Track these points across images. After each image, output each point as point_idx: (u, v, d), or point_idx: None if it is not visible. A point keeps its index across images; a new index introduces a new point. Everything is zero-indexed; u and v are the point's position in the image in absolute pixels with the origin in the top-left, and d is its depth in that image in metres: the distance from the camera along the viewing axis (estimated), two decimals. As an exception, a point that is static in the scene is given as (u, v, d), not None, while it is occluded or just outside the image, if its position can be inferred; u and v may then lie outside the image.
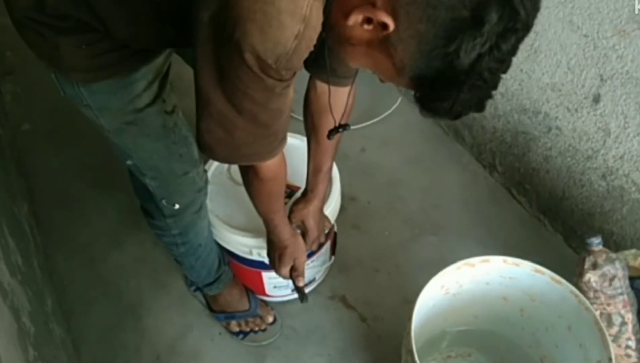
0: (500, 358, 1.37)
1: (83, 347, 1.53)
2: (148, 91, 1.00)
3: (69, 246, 1.76)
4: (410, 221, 1.79)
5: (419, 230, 1.76)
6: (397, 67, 0.71)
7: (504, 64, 0.67)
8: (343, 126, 1.12)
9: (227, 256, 1.49)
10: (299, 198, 1.35)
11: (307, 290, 1.57)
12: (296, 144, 1.49)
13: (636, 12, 1.29)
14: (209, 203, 1.33)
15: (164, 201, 1.20)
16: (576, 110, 1.48)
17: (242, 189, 1.15)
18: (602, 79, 1.38)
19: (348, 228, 1.74)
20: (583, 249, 1.24)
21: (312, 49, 0.76)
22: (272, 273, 1.38)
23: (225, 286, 1.51)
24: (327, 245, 1.50)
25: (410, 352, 1.02)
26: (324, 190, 1.33)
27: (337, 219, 1.49)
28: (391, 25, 0.66)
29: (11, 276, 1.17)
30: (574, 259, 1.60)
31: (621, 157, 1.42)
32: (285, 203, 1.43)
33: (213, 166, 1.47)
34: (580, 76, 1.43)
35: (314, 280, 1.58)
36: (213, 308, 1.56)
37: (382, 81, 0.77)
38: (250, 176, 1.02)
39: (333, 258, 1.59)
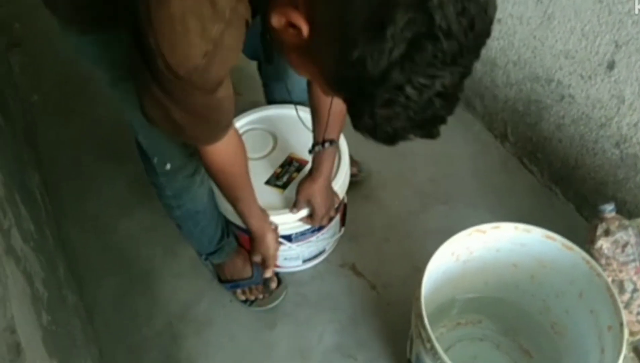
0: (510, 325, 1.38)
1: (96, 314, 1.55)
2: None
3: (79, 215, 1.78)
4: (420, 190, 1.78)
5: (429, 200, 1.76)
6: (324, 76, 0.68)
7: (435, 81, 0.59)
8: (330, 141, 1.20)
9: (236, 230, 1.49)
10: (305, 177, 1.35)
11: (317, 261, 1.60)
12: (306, 118, 1.49)
13: (636, 12, 1.27)
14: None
15: (155, 159, 1.21)
16: (590, 77, 1.46)
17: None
18: (616, 45, 1.36)
19: (358, 198, 1.74)
20: (595, 216, 1.23)
21: (231, 65, 0.77)
22: (281, 246, 1.42)
23: (228, 255, 1.53)
24: (337, 217, 1.50)
25: (420, 316, 1.03)
26: (330, 167, 1.33)
27: (347, 189, 1.49)
28: (304, 30, 0.64)
29: (24, 243, 1.17)
30: (585, 228, 1.59)
31: (635, 124, 1.40)
32: (294, 178, 1.43)
33: None
34: (594, 42, 1.41)
35: (324, 251, 1.59)
36: (220, 277, 1.58)
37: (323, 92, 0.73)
38: (204, 164, 1.06)
39: (343, 229, 1.60)
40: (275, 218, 1.35)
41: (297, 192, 1.35)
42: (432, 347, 1.00)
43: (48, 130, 2.02)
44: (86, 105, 2.09)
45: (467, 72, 0.62)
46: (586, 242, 1.24)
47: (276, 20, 0.66)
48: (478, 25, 0.58)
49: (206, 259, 1.58)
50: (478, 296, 1.36)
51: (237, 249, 1.54)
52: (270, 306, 1.54)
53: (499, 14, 1.65)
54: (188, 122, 0.86)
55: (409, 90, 0.59)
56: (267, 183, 1.43)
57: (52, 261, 1.40)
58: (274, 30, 0.69)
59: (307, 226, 1.42)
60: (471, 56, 0.60)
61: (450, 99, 0.62)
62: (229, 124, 0.96)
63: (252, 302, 1.55)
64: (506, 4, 1.61)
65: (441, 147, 1.89)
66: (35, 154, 1.91)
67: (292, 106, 1.52)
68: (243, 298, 1.55)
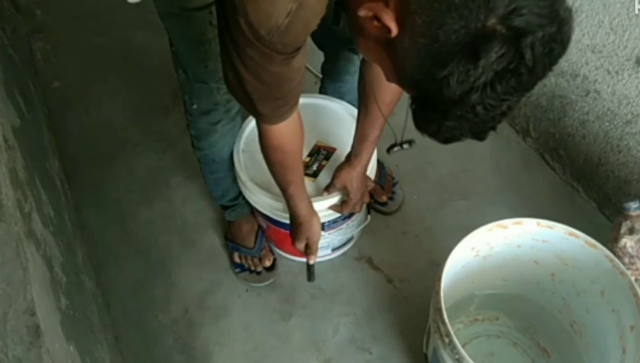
0: (528, 323, 1.36)
1: (113, 300, 1.56)
2: None
3: (98, 202, 1.79)
4: (439, 185, 1.77)
5: (448, 194, 1.74)
6: (398, 72, 0.69)
7: (504, 104, 0.63)
8: (409, 142, 1.19)
9: (265, 220, 1.49)
10: (343, 163, 1.36)
11: (345, 249, 1.61)
12: (330, 106, 1.50)
13: (636, 12, 1.26)
14: (244, 170, 1.38)
15: (186, 97, 1.29)
16: (617, 72, 1.43)
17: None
18: (646, 40, 1.33)
19: (376, 191, 1.73)
20: (619, 213, 1.21)
21: (311, 29, 0.78)
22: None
23: (238, 217, 1.58)
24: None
25: (439, 310, 1.02)
26: (368, 158, 1.34)
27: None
28: (394, 31, 0.64)
29: (44, 227, 1.18)
30: (607, 227, 1.57)
31: (662, 122, 1.37)
32: (323, 166, 1.42)
33: (245, 132, 1.45)
34: (622, 36, 1.38)
35: (351, 238, 1.60)
36: (226, 234, 1.63)
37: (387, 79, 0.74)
38: (262, 142, 1.06)
39: (369, 218, 1.59)
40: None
41: (334, 177, 1.36)
42: (451, 342, 0.99)
43: (68, 117, 2.03)
44: (106, 93, 2.10)
45: (529, 92, 0.65)
46: (609, 240, 1.22)
47: (364, 12, 0.66)
48: (555, 62, 0.61)
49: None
50: (497, 293, 1.34)
51: (248, 216, 1.58)
52: (253, 285, 1.57)
53: (524, 7, 1.62)
54: (259, 95, 0.88)
55: (479, 109, 0.62)
56: None
57: (70, 247, 1.41)
58: (355, 16, 0.68)
59: (338, 214, 1.41)
60: (539, 81, 0.64)
61: (508, 114, 0.66)
62: (297, 102, 0.97)
63: (243, 269, 1.59)
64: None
65: (461, 142, 1.87)
66: (55, 141, 1.92)
67: (313, 95, 1.53)
68: (238, 261, 1.59)
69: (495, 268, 1.26)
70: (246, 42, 0.77)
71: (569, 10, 0.61)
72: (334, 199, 1.37)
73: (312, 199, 1.33)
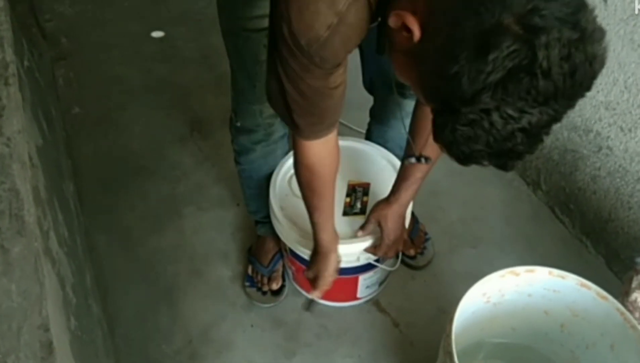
0: (535, 375, 1.35)
1: (117, 326, 1.55)
2: (259, 20, 1.08)
3: (109, 228, 1.79)
4: (449, 231, 1.77)
5: (457, 241, 1.75)
6: (422, 83, 0.70)
7: (523, 116, 0.60)
8: (425, 158, 1.21)
9: (293, 258, 1.49)
10: (380, 200, 1.37)
11: (372, 296, 1.60)
12: (359, 147, 1.57)
13: (636, 12, 1.29)
14: (277, 195, 1.42)
15: (233, 113, 1.35)
16: (630, 130, 1.46)
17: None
18: (660, 100, 1.36)
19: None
20: (630, 268, 1.22)
21: (350, 47, 0.81)
22: (369, 273, 1.45)
23: (266, 233, 1.61)
24: None
25: (450, 353, 1.01)
26: (408, 198, 1.33)
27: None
28: (416, 34, 0.66)
29: (59, 247, 1.19)
30: (615, 283, 1.57)
31: (674, 181, 1.39)
32: (366, 202, 1.45)
33: (290, 160, 1.46)
34: (637, 95, 1.41)
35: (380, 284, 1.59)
36: (251, 247, 1.68)
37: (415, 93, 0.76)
38: (295, 158, 1.08)
39: (398, 263, 1.55)
40: (359, 244, 1.36)
41: (370, 213, 1.37)
42: (460, 386, 0.98)
43: (86, 142, 2.06)
44: (125, 121, 2.13)
45: (557, 117, 0.63)
46: (620, 295, 1.22)
47: (393, 21, 0.69)
48: (580, 74, 0.59)
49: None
50: (505, 342, 1.33)
51: (274, 236, 1.58)
52: (255, 303, 1.59)
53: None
54: (296, 106, 0.90)
55: (495, 117, 0.61)
56: (345, 214, 1.43)
57: (81, 269, 1.41)
58: (389, 29, 0.71)
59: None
60: (565, 102, 0.61)
61: (533, 137, 0.63)
62: (333, 123, 0.99)
63: (252, 284, 1.61)
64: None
65: (472, 190, 1.89)
66: (71, 165, 1.94)
67: (344, 137, 1.56)
68: (249, 274, 1.63)
69: (505, 316, 1.25)
70: (288, 51, 0.79)
71: (598, 28, 0.60)
72: (368, 241, 1.37)
73: (347, 241, 1.34)
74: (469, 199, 1.86)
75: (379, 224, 1.34)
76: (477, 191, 1.88)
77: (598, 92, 1.51)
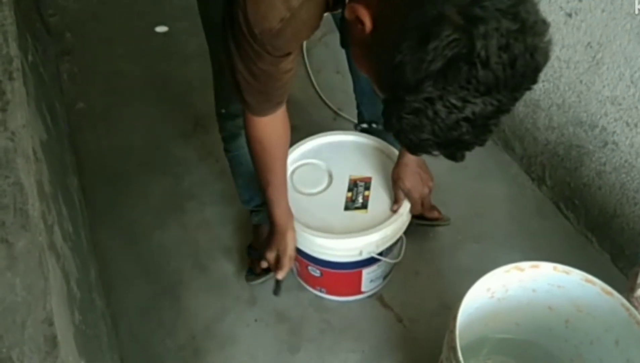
0: (539, 371, 1.34)
1: (121, 320, 1.56)
2: None
3: (113, 223, 1.80)
4: (453, 226, 1.76)
5: (461, 237, 1.74)
6: (376, 76, 0.71)
7: (466, 106, 0.61)
8: (375, 123, 1.33)
9: (319, 267, 1.48)
10: (396, 163, 1.43)
11: (376, 289, 1.60)
12: (357, 140, 1.57)
13: (636, 12, 1.29)
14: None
15: (218, 102, 1.38)
16: (636, 125, 1.45)
17: (314, 198, 1.38)
18: (666, 95, 1.35)
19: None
20: (635, 264, 1.21)
21: (302, 39, 0.88)
22: (372, 267, 1.46)
23: (262, 221, 1.63)
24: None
25: (454, 348, 1.01)
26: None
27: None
28: (368, 26, 0.68)
29: (63, 241, 1.19)
30: (620, 279, 1.56)
31: (680, 176, 1.38)
32: (367, 196, 1.45)
33: None
34: (643, 90, 1.40)
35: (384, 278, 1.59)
36: (250, 244, 1.67)
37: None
38: (245, 132, 1.13)
39: (402, 255, 1.56)
40: (361, 239, 1.36)
41: (393, 182, 1.42)
42: (464, 381, 0.98)
43: (89, 137, 2.07)
44: (128, 117, 2.14)
45: (502, 108, 0.63)
46: (625, 290, 1.21)
47: (348, 13, 0.71)
48: (520, 64, 0.60)
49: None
50: (509, 337, 1.33)
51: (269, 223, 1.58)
52: (251, 283, 1.61)
53: (545, 57, 1.65)
54: (246, 85, 0.94)
55: (438, 106, 0.61)
56: (347, 209, 1.43)
57: (85, 264, 1.42)
58: (347, 21, 0.73)
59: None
60: (509, 93, 0.62)
61: (479, 128, 0.64)
62: (281, 102, 1.04)
63: (253, 274, 1.61)
64: (554, 47, 1.61)
65: (477, 185, 1.88)
66: (75, 160, 1.94)
67: (340, 132, 1.59)
68: (249, 265, 1.62)
69: (509, 312, 1.25)
70: (242, 36, 0.84)
71: (540, 20, 0.61)
72: (403, 207, 1.41)
73: (349, 235, 1.35)
74: (473, 195, 1.85)
75: (401, 188, 1.39)
76: (481, 187, 1.87)
77: (604, 87, 1.50)
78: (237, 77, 0.93)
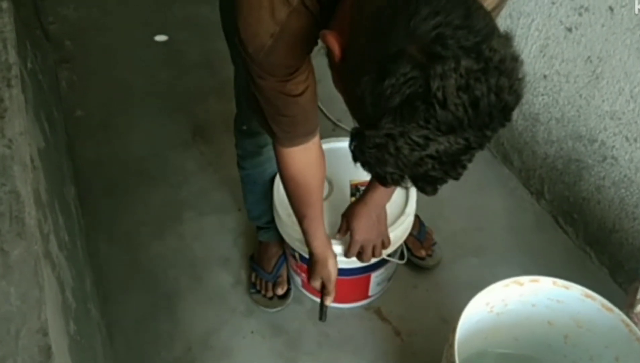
0: (538, 387, 1.33)
1: (116, 331, 1.54)
2: None
3: (110, 232, 1.78)
4: (452, 240, 1.76)
5: (460, 250, 1.74)
6: (347, 102, 0.70)
7: (429, 144, 0.58)
8: None
9: (291, 252, 1.50)
10: (356, 198, 1.38)
11: (380, 293, 1.60)
12: None
13: (636, 12, 1.29)
14: (281, 199, 1.38)
15: (238, 117, 1.35)
16: (635, 140, 1.45)
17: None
18: (666, 110, 1.35)
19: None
20: (635, 279, 1.20)
21: (299, 56, 0.85)
22: (380, 270, 1.46)
23: (269, 239, 1.60)
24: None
25: (453, 363, 1.00)
26: (376, 198, 1.29)
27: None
28: (337, 55, 0.67)
29: (59, 250, 1.18)
30: (619, 294, 1.56)
31: (680, 192, 1.38)
32: None
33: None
34: (642, 105, 1.40)
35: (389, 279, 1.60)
36: (253, 254, 1.66)
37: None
38: (278, 168, 1.10)
39: (406, 256, 1.57)
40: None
41: (343, 214, 1.36)
42: (463, 397, 0.97)
43: (88, 146, 2.06)
44: (127, 125, 2.13)
45: (472, 146, 0.60)
46: (625, 306, 1.20)
47: (322, 37, 0.70)
48: (484, 105, 0.56)
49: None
50: (508, 352, 1.32)
51: (277, 242, 1.59)
52: (263, 308, 1.57)
53: (545, 70, 1.66)
54: (267, 112, 0.92)
55: (400, 143, 0.59)
56: None
57: (80, 274, 1.40)
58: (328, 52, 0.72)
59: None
60: (476, 132, 0.59)
61: (447, 164, 0.61)
62: (309, 132, 1.00)
63: (256, 291, 1.59)
64: (554, 61, 1.62)
65: (475, 199, 1.88)
66: (73, 168, 1.93)
67: (338, 139, 1.58)
68: (253, 281, 1.60)
69: (509, 327, 1.24)
70: (243, 58, 0.83)
71: (510, 57, 0.57)
72: (338, 245, 1.35)
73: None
74: (472, 208, 1.85)
75: (348, 223, 1.33)
76: (480, 200, 1.87)
77: (603, 101, 1.50)
78: (260, 104, 0.91)
